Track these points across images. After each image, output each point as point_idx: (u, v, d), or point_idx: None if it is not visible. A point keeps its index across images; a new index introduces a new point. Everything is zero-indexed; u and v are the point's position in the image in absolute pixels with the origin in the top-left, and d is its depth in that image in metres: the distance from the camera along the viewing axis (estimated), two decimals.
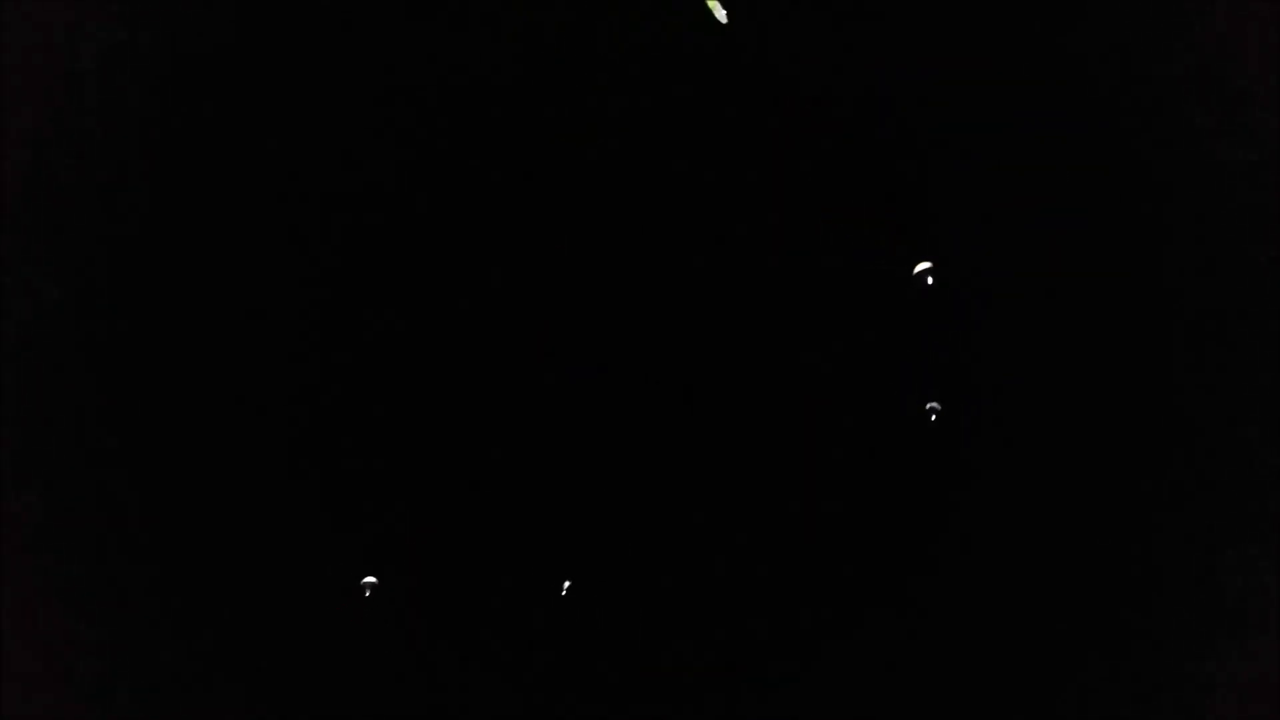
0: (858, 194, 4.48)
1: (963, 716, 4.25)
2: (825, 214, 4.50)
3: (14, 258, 4.26)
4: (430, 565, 4.40)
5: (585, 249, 4.52)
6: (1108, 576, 4.25)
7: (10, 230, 4.26)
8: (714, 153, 4.52)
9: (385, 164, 4.50)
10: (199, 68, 4.41)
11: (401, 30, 4.48)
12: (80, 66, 4.33)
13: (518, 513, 4.43)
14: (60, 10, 4.31)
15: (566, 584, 4.33)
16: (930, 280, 4.02)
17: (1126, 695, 4.15)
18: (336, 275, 4.47)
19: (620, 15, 4.48)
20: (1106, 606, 4.23)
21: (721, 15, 3.61)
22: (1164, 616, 4.17)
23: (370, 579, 4.28)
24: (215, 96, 4.42)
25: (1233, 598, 4.14)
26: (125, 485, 4.28)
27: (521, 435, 4.46)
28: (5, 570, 4.14)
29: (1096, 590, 4.25)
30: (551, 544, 4.42)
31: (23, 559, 4.17)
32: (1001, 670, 4.25)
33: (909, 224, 4.45)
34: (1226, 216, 4.27)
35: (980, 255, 4.40)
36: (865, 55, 4.44)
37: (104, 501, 4.25)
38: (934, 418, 4.21)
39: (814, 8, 4.43)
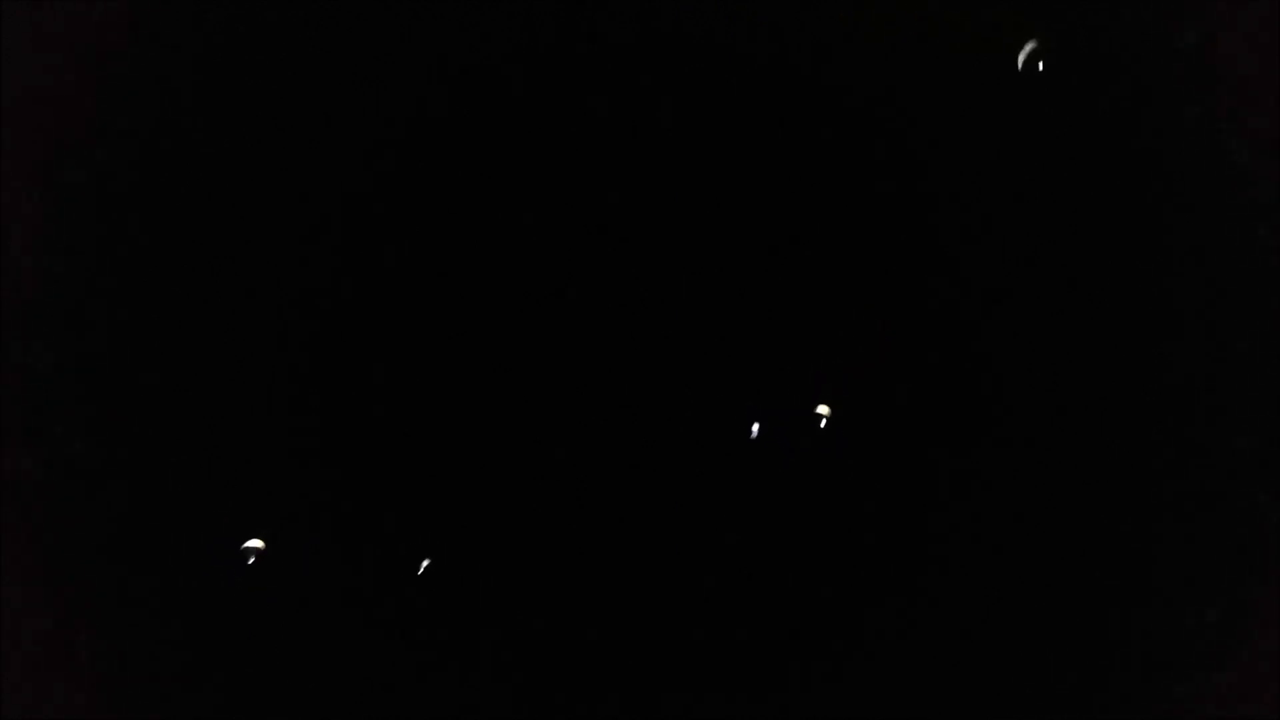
0: (856, 192, 4.50)
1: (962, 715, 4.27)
2: (825, 215, 4.51)
3: (14, 254, 4.27)
4: (417, 565, 4.41)
5: (583, 250, 4.53)
6: (1104, 582, 4.26)
7: (11, 226, 4.27)
8: (714, 154, 4.53)
9: (384, 162, 4.51)
10: (199, 67, 4.42)
11: (400, 29, 4.49)
12: (80, 65, 4.34)
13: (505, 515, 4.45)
14: (59, 11, 4.32)
15: (425, 563, 4.32)
16: (823, 424, 4.13)
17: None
18: (331, 273, 4.49)
19: (621, 15, 4.49)
20: (1102, 613, 4.24)
21: (1021, 59, 3.64)
22: (1158, 631, 4.19)
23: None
24: (217, 95, 4.43)
25: (1229, 603, 4.15)
26: (123, 484, 4.29)
27: (506, 434, 4.48)
28: (5, 569, 4.16)
29: (1094, 595, 4.27)
30: (548, 547, 4.44)
31: (23, 559, 4.18)
32: (999, 673, 4.27)
33: (912, 228, 4.47)
34: (1227, 219, 4.28)
35: (981, 258, 4.41)
36: (862, 53, 4.45)
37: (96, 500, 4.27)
38: (823, 423, 4.31)
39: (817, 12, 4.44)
